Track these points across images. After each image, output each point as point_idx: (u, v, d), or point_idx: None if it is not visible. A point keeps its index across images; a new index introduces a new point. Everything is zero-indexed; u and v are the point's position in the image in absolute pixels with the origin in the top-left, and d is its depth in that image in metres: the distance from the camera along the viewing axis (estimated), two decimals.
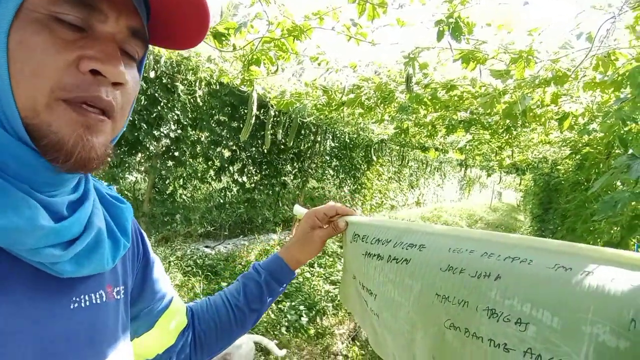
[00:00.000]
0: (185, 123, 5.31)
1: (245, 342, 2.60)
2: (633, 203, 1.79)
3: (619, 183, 2.32)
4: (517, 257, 0.67)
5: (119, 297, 0.62)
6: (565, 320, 0.58)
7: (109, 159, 0.53)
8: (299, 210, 1.09)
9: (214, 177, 6.28)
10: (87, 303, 0.55)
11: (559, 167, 6.34)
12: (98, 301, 0.57)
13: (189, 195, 6.25)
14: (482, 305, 0.68)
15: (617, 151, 2.77)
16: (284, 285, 0.96)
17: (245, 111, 3.88)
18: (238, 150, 6.41)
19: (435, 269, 0.75)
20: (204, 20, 0.57)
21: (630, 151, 1.52)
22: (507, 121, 3.09)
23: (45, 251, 0.47)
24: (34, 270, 0.49)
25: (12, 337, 0.45)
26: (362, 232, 0.93)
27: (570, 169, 5.06)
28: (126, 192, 5.41)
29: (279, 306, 4.52)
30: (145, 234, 0.77)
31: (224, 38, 2.31)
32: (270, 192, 7.34)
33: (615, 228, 2.52)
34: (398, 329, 0.83)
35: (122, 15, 0.50)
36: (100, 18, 0.48)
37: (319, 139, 7.82)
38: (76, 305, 0.54)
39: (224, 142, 6.17)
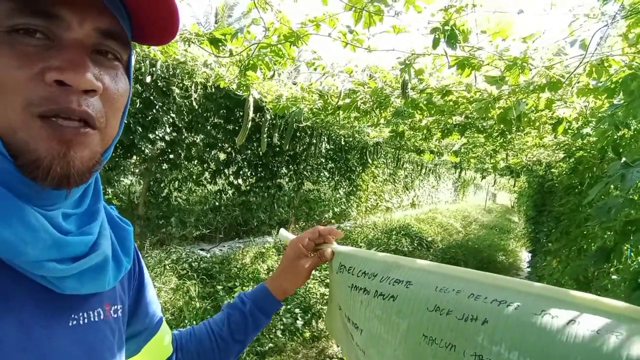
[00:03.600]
0: (180, 126, 5.30)
1: None
2: (626, 209, 1.80)
3: (612, 186, 2.33)
4: (503, 301, 0.66)
5: (116, 315, 0.62)
6: None
7: (97, 170, 0.52)
8: (284, 235, 1.07)
9: (210, 180, 6.27)
10: (86, 321, 0.55)
11: (553, 170, 6.38)
12: (96, 319, 0.57)
13: (184, 198, 6.24)
14: (469, 350, 0.67)
15: (611, 155, 2.80)
16: (270, 315, 0.94)
17: (241, 113, 3.88)
18: (233, 153, 6.41)
19: (423, 309, 0.75)
20: (173, 16, 0.55)
21: (624, 159, 1.53)
22: (502, 125, 3.12)
23: (49, 265, 0.47)
24: (35, 285, 0.48)
25: (14, 354, 0.45)
26: (349, 263, 0.92)
27: (564, 172, 5.09)
28: (121, 195, 5.39)
29: None
30: (141, 255, 0.77)
31: (220, 44, 2.32)
32: (266, 194, 7.34)
33: (609, 233, 2.53)
34: None
35: (87, 19, 0.47)
36: (63, 25, 0.46)
37: (314, 142, 7.82)
38: (74, 322, 0.53)
39: (220, 144, 6.16)
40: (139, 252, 0.76)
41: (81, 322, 0.54)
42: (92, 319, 0.56)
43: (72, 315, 0.53)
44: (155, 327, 0.77)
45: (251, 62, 2.43)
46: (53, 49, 0.46)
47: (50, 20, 0.45)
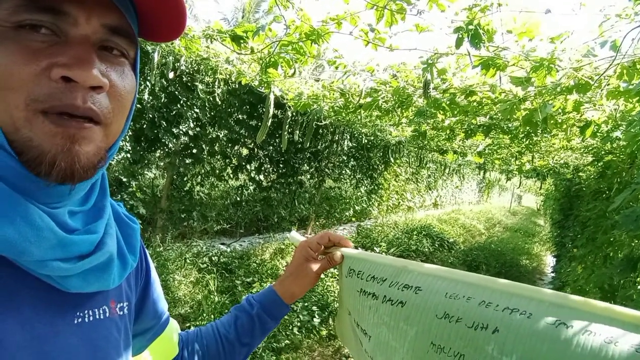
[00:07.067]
0: (204, 121, 5.35)
1: None
2: None
3: None
4: (515, 309, 0.64)
5: (122, 313, 0.62)
6: None
7: (102, 166, 0.52)
8: (294, 237, 1.05)
9: (232, 175, 6.32)
10: (91, 318, 0.55)
11: (580, 173, 6.20)
12: (101, 317, 0.56)
13: (206, 192, 6.30)
14: None
15: None
16: (278, 319, 0.93)
17: (265, 110, 3.90)
18: (256, 149, 6.44)
19: (431, 315, 0.72)
20: (180, 12, 0.54)
21: None
22: (527, 127, 3.04)
23: (53, 264, 0.47)
24: (39, 284, 0.48)
25: (17, 353, 0.45)
26: (358, 267, 0.89)
27: (592, 176, 4.95)
28: (145, 188, 5.47)
29: (292, 306, 4.53)
30: (148, 253, 0.76)
31: (242, 41, 2.32)
32: (287, 191, 7.36)
33: (636, 241, 2.45)
34: None
35: (94, 15, 0.47)
36: (69, 21, 0.46)
37: (336, 139, 7.80)
38: (79, 320, 0.53)
39: (242, 140, 6.20)
40: (147, 251, 0.76)
41: (86, 319, 0.54)
42: (97, 317, 0.56)
43: (77, 313, 0.53)
44: (162, 325, 0.77)
45: (272, 59, 2.43)
46: (59, 44, 0.45)
47: (57, 16, 0.45)
